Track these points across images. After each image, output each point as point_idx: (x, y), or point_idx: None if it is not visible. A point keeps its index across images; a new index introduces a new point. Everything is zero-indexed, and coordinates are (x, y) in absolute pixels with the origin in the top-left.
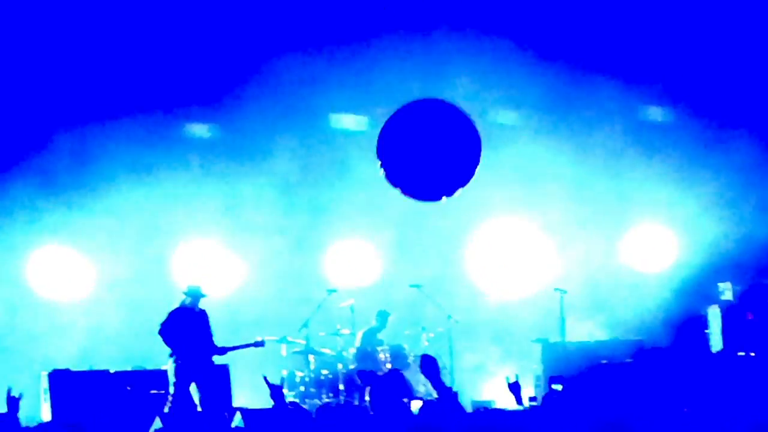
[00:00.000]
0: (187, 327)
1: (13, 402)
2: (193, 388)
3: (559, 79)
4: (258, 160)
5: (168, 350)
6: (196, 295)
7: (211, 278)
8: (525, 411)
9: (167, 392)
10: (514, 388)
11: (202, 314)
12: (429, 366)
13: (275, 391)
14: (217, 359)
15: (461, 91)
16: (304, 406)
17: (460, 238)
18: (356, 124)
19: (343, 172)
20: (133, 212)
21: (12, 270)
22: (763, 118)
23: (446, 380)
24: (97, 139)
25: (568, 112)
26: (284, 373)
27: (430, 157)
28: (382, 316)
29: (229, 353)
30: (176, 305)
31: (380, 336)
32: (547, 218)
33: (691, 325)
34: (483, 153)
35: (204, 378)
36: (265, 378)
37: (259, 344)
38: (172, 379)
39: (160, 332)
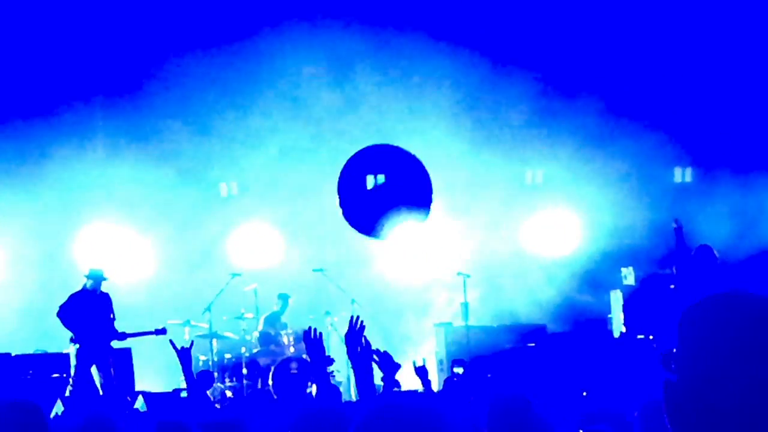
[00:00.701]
0: (88, 310)
1: None
2: (94, 372)
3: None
4: (155, 143)
5: (70, 334)
6: (97, 278)
7: (117, 262)
8: (425, 394)
9: (69, 376)
10: (421, 372)
11: (104, 297)
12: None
13: (183, 354)
14: (119, 344)
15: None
16: (208, 392)
17: None
18: None
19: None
20: (38, 193)
21: None
22: (662, 105)
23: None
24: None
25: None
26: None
27: (383, 199)
28: (283, 298)
29: (130, 339)
30: (78, 288)
31: (283, 319)
32: (452, 202)
33: (592, 310)
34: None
35: (104, 362)
36: (171, 342)
37: (161, 332)
38: (73, 362)
39: (59, 314)
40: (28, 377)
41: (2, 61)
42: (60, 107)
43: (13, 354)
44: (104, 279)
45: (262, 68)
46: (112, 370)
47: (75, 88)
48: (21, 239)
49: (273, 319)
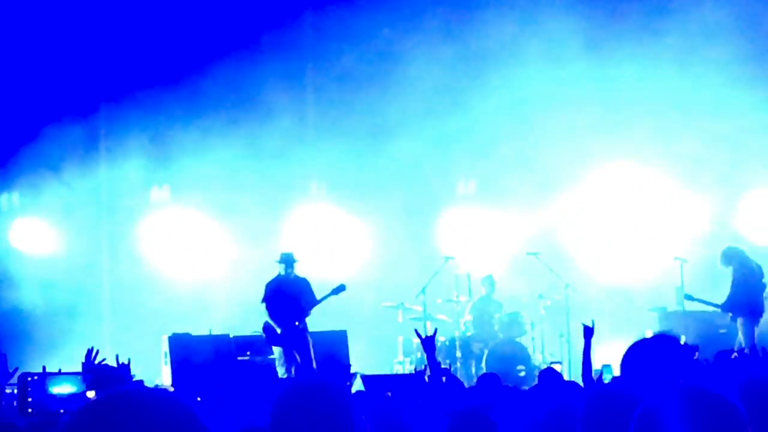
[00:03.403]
0: (285, 296)
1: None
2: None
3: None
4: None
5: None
6: (288, 260)
7: (331, 244)
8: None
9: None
10: (427, 343)
11: (301, 282)
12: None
13: (427, 342)
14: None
15: None
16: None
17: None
18: None
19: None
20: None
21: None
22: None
23: (563, 348)
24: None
25: None
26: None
27: None
28: (489, 280)
29: (318, 306)
30: (273, 275)
31: (495, 297)
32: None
33: None
34: None
35: (303, 345)
36: (416, 331)
37: (340, 289)
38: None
39: (266, 306)
40: (245, 359)
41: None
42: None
43: (231, 336)
44: (295, 261)
45: None
46: (311, 351)
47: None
48: (238, 221)
49: (483, 303)
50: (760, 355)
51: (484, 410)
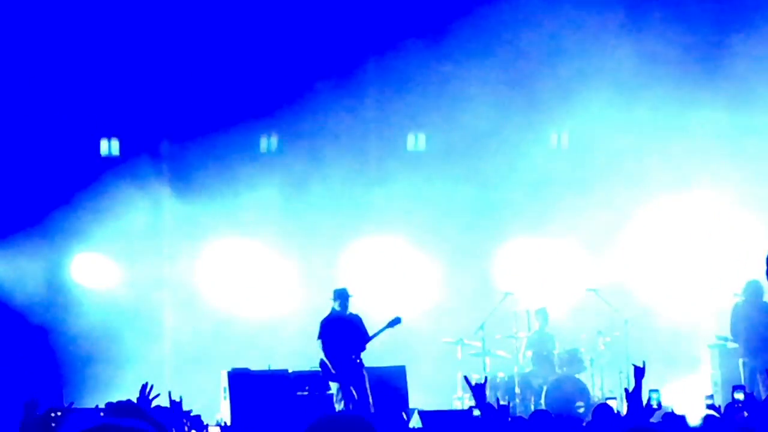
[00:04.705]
0: (340, 334)
1: (144, 398)
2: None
3: None
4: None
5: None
6: (343, 296)
7: (390, 279)
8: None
9: (349, 394)
10: (477, 391)
11: (354, 319)
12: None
13: (477, 390)
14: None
15: None
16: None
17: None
18: None
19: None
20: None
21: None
22: None
23: (621, 384)
24: None
25: None
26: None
27: None
28: (542, 313)
29: (374, 340)
30: (328, 312)
31: (547, 330)
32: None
33: None
34: None
35: (359, 381)
36: (466, 378)
37: (396, 322)
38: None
39: (320, 338)
40: (303, 395)
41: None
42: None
43: (289, 371)
44: (349, 296)
45: None
46: (368, 388)
47: None
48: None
49: (538, 336)
50: None
51: None
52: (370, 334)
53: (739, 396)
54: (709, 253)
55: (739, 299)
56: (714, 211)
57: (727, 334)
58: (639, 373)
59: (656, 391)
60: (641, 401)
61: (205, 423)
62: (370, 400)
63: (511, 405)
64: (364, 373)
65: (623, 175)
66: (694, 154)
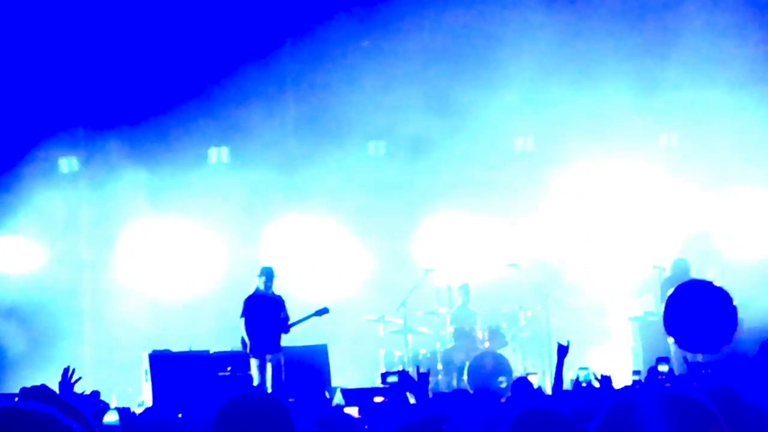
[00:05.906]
0: (261, 314)
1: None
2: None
3: None
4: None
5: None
6: (269, 274)
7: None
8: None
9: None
10: (562, 351)
11: (276, 300)
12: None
13: (421, 378)
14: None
15: None
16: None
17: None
18: None
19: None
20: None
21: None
22: None
23: (544, 359)
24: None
25: None
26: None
27: None
28: (464, 289)
29: (298, 326)
30: (251, 290)
31: (470, 307)
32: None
33: None
34: None
35: (276, 362)
36: (417, 368)
37: (323, 311)
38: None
39: (243, 316)
40: (225, 375)
41: None
42: None
43: (210, 352)
44: (275, 276)
45: None
46: (282, 370)
47: None
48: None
49: (460, 312)
50: None
51: (436, 422)
52: (296, 319)
53: (663, 368)
54: (629, 226)
55: (667, 275)
56: (636, 184)
57: (652, 309)
58: (562, 351)
59: (585, 368)
60: (561, 380)
61: (126, 406)
62: (283, 379)
63: (432, 381)
64: (281, 355)
65: (542, 149)
66: (614, 128)
